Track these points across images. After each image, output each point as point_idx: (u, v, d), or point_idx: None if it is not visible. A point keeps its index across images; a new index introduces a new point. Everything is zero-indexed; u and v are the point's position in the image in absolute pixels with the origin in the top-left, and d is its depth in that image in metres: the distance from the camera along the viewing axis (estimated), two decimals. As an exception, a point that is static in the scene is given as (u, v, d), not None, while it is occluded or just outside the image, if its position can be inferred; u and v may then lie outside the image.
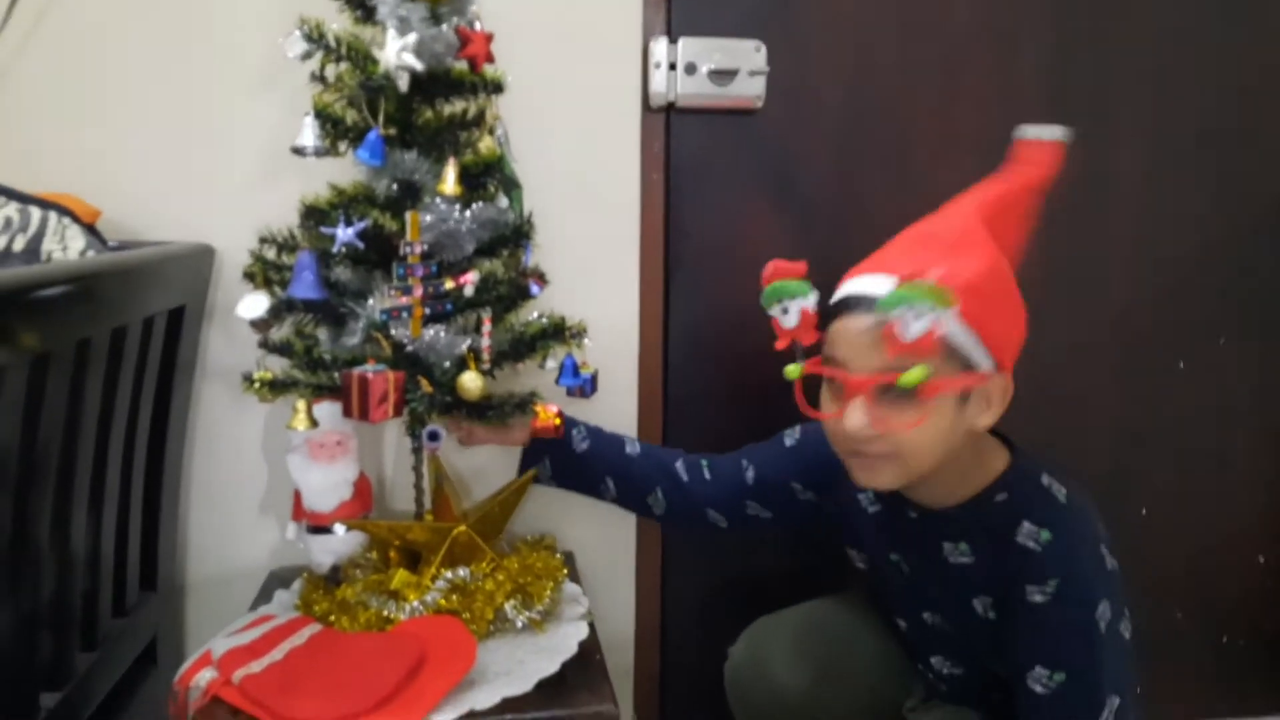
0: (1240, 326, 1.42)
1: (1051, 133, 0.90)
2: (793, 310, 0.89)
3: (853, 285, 0.88)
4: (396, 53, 0.88)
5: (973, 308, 0.82)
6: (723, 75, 1.26)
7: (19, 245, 0.95)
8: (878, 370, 0.83)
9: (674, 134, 1.28)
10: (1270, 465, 1.46)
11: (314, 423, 0.92)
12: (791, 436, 1.12)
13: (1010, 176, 0.92)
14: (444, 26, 0.92)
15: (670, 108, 1.26)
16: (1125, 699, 0.85)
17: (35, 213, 0.97)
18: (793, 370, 0.89)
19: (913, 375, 0.80)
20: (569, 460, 1.12)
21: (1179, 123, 1.37)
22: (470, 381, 0.89)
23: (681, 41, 1.24)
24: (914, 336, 0.79)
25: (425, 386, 0.89)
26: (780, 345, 0.91)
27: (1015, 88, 1.33)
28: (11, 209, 0.96)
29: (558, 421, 0.96)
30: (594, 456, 1.13)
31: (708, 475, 1.13)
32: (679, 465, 1.14)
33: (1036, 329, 1.36)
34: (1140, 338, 1.40)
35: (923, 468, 0.87)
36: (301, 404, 0.91)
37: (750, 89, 1.27)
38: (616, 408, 1.29)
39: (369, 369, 0.86)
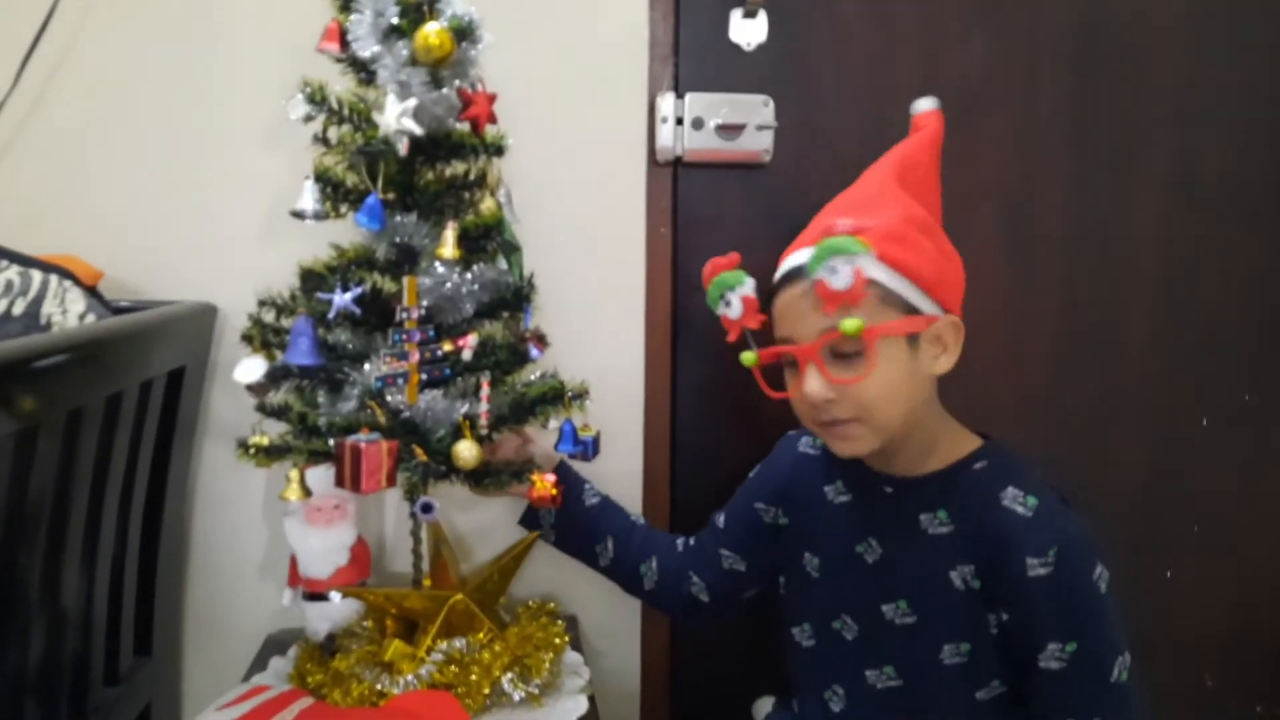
0: (1266, 381, 1.38)
1: (929, 103, 1.01)
2: (734, 300, 0.93)
3: (783, 264, 0.93)
4: (396, 117, 0.87)
5: (895, 252, 0.86)
6: (730, 130, 1.25)
7: (19, 309, 0.95)
8: (821, 332, 0.87)
9: (681, 188, 1.27)
10: (1302, 525, 1.41)
11: (307, 492, 0.90)
12: (753, 470, 1.13)
13: (914, 140, 1.00)
14: (445, 89, 0.92)
15: (677, 162, 1.25)
16: (1128, 655, 0.86)
17: (36, 276, 0.97)
18: (748, 357, 0.93)
19: (851, 324, 0.84)
20: (575, 514, 1.11)
21: (1202, 167, 1.33)
22: (465, 450, 0.87)
23: (689, 96, 1.23)
24: (843, 287, 0.83)
25: (420, 455, 0.88)
26: (731, 338, 0.96)
27: (1033, 133, 1.31)
28: (13, 272, 0.96)
29: (554, 492, 0.94)
30: (601, 515, 1.12)
31: (691, 542, 1.14)
32: (678, 541, 1.14)
33: (1057, 384, 1.35)
34: (1163, 393, 1.36)
35: (892, 421, 0.89)
36: (294, 473, 0.90)
37: (758, 143, 1.25)
38: (622, 465, 1.26)
39: (362, 438, 0.84)
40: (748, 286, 0.93)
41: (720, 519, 1.13)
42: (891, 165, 0.95)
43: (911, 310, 0.88)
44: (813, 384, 0.88)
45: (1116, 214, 1.33)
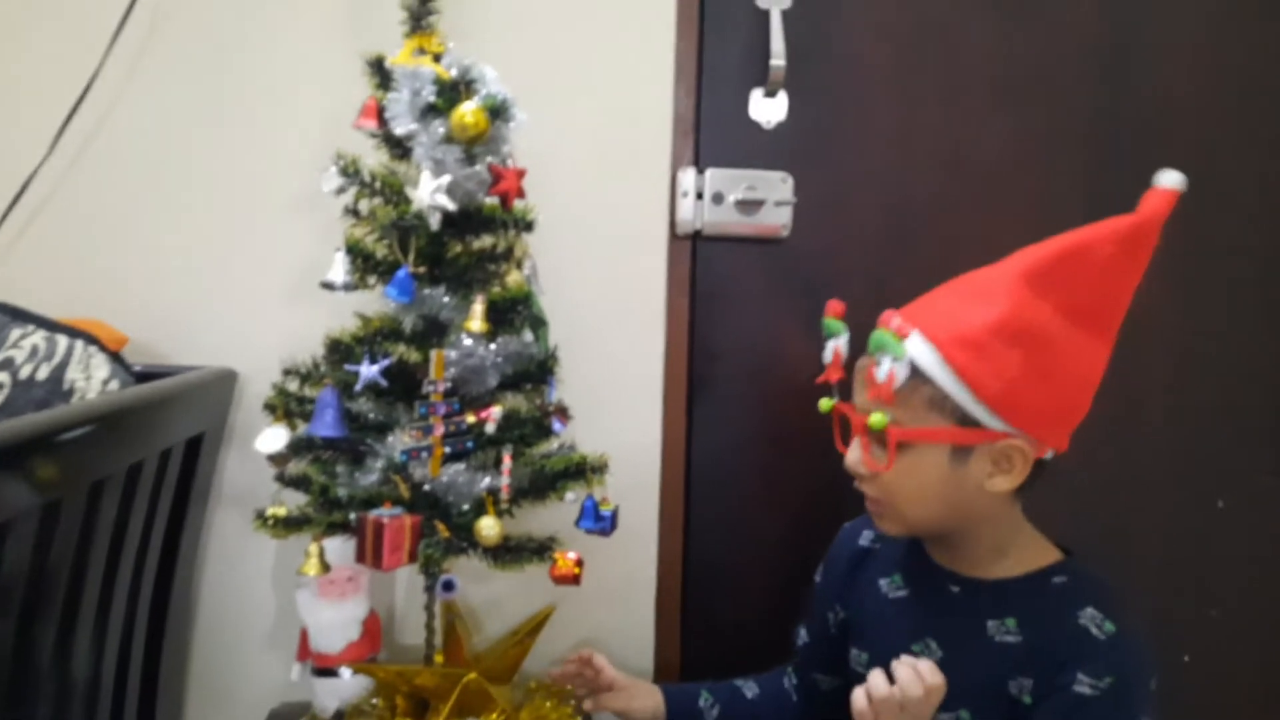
0: (1281, 463, 1.38)
1: (1168, 179, 0.89)
2: (829, 347, 0.93)
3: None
4: (430, 193, 0.88)
5: (964, 360, 0.82)
6: (750, 205, 1.26)
7: (43, 374, 0.94)
8: (864, 412, 0.87)
9: (700, 260, 1.28)
10: (1320, 610, 1.40)
11: (326, 568, 0.89)
12: (818, 572, 1.09)
13: (1108, 224, 0.87)
14: (478, 165, 0.93)
15: (697, 235, 1.27)
16: None
17: (62, 341, 0.96)
18: (824, 404, 0.93)
19: (875, 418, 0.84)
20: None
21: (1219, 249, 1.35)
22: (488, 528, 0.87)
23: (709, 172, 1.25)
24: (880, 381, 0.82)
25: (442, 531, 0.87)
26: (818, 380, 0.94)
27: (1052, 216, 1.29)
28: (39, 337, 0.96)
29: (577, 570, 0.92)
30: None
31: (794, 678, 1.10)
32: (786, 685, 1.09)
33: (1072, 461, 1.34)
34: (1178, 474, 1.36)
35: (919, 519, 0.89)
36: (314, 548, 0.88)
37: (777, 218, 1.27)
38: (637, 534, 1.25)
39: (385, 513, 0.83)
40: (841, 340, 0.92)
41: (802, 634, 1.09)
42: (1030, 259, 0.86)
43: (968, 421, 0.83)
44: (851, 455, 0.90)
45: (1135, 294, 1.34)
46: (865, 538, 1.05)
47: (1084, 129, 1.32)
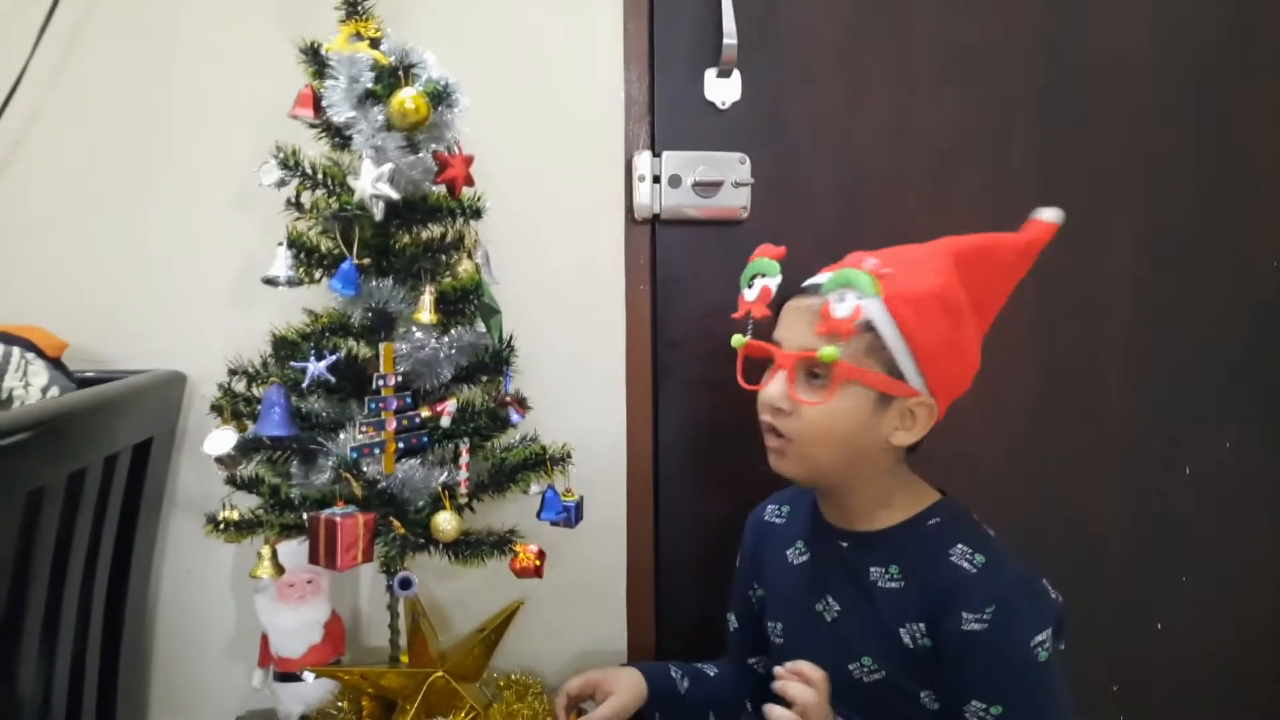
0: (1245, 429, 1.38)
1: (1050, 214, 0.96)
2: (757, 284, 0.93)
3: (815, 277, 0.92)
4: (372, 182, 0.86)
5: (909, 316, 0.85)
6: (707, 187, 1.25)
7: (-22, 383, 0.91)
8: (804, 347, 0.87)
9: (659, 245, 1.26)
10: (1288, 570, 1.41)
11: (280, 570, 0.87)
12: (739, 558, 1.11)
13: (1008, 236, 0.94)
14: (421, 153, 0.91)
15: (655, 220, 1.25)
16: None
17: (-3, 348, 0.93)
18: (737, 339, 0.93)
19: (828, 350, 0.84)
20: (676, 708, 1.05)
21: (1169, 222, 1.35)
22: (445, 523, 0.85)
23: (665, 155, 1.23)
24: (839, 316, 0.83)
25: (397, 528, 0.85)
26: (736, 315, 0.94)
27: (1005, 189, 1.32)
28: (-28, 345, 0.93)
29: (538, 563, 0.91)
30: (695, 694, 1.07)
31: (733, 667, 1.10)
32: (750, 663, 1.10)
33: (1038, 439, 1.35)
34: (1143, 444, 1.36)
35: (818, 460, 0.90)
36: (266, 550, 0.86)
37: (735, 200, 1.26)
38: (605, 525, 1.23)
39: (337, 512, 0.81)
40: (774, 280, 0.92)
41: (732, 620, 1.11)
42: (958, 243, 0.91)
43: (895, 374, 0.87)
44: (773, 388, 0.89)
45: (1087, 267, 1.34)
46: (769, 512, 1.08)
47: (1032, 102, 1.31)
